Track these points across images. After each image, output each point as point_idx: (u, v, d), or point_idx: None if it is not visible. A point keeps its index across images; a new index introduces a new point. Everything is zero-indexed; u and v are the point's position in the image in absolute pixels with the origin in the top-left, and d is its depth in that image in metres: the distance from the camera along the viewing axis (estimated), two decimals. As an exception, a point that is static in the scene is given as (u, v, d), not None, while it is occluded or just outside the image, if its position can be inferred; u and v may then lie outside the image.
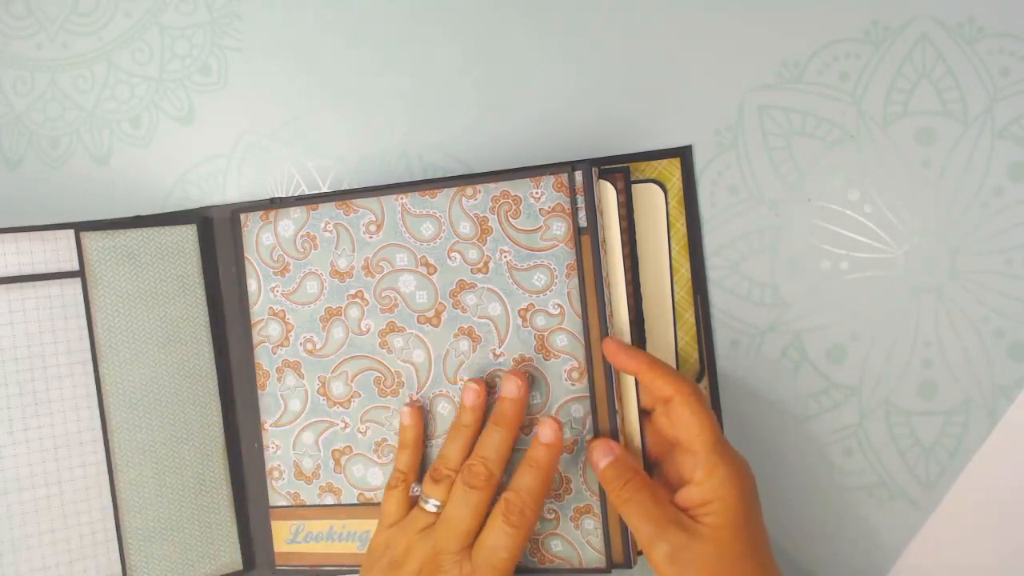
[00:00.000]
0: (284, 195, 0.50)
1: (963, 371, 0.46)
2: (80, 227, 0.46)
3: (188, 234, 0.48)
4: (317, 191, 0.50)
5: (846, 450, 0.46)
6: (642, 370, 0.41)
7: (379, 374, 0.45)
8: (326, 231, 0.46)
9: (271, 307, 0.47)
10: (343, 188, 0.49)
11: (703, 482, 0.39)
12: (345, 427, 0.46)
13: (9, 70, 0.52)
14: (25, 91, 0.52)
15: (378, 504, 0.46)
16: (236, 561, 0.48)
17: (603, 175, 0.43)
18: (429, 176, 0.49)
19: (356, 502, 0.47)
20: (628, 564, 0.42)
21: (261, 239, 0.47)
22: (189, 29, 0.51)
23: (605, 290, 0.42)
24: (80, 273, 0.46)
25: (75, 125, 0.52)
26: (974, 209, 0.45)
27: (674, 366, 0.46)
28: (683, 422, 0.40)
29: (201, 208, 0.49)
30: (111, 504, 0.46)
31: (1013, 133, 0.45)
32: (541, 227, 0.42)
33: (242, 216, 0.47)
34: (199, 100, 0.51)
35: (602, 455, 0.41)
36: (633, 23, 0.47)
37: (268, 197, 0.50)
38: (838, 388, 0.46)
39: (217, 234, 0.49)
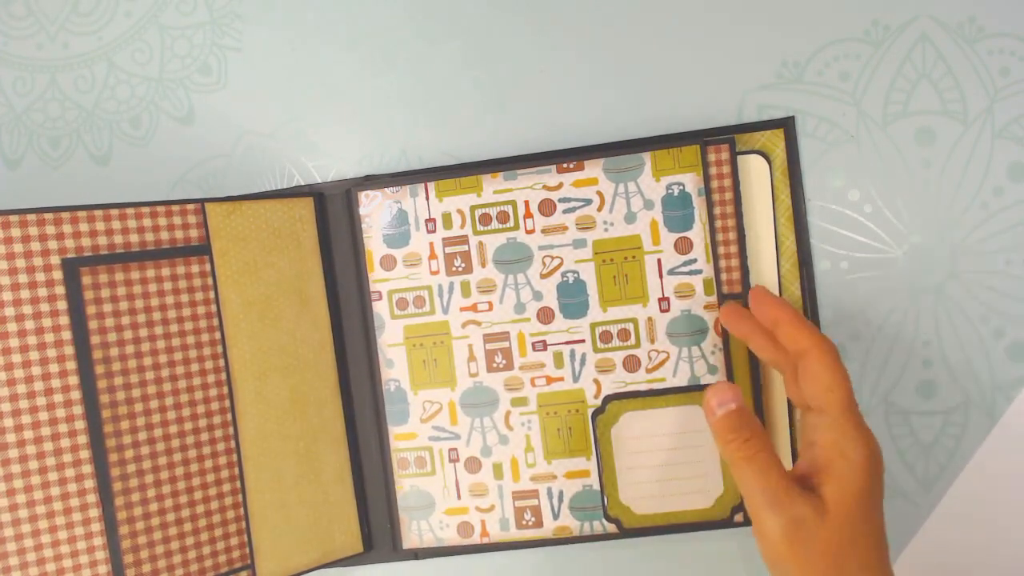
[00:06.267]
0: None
1: (962, 371, 0.46)
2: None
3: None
4: (411, 168, 0.50)
5: (846, 450, 0.46)
6: (785, 319, 0.39)
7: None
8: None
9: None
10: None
11: (829, 445, 0.35)
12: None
13: (9, 70, 0.52)
14: (25, 91, 0.52)
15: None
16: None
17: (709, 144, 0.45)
18: (429, 176, 0.49)
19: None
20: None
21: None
22: (189, 29, 0.51)
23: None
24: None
25: (75, 125, 0.52)
26: (974, 209, 0.45)
27: None
28: (816, 378, 0.36)
29: (317, 184, 0.50)
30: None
31: (1013, 133, 0.45)
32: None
33: (361, 194, 0.48)
34: (199, 100, 0.51)
35: (720, 402, 0.37)
36: (632, 23, 0.47)
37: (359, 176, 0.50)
38: (838, 388, 0.46)
39: (332, 209, 0.49)
